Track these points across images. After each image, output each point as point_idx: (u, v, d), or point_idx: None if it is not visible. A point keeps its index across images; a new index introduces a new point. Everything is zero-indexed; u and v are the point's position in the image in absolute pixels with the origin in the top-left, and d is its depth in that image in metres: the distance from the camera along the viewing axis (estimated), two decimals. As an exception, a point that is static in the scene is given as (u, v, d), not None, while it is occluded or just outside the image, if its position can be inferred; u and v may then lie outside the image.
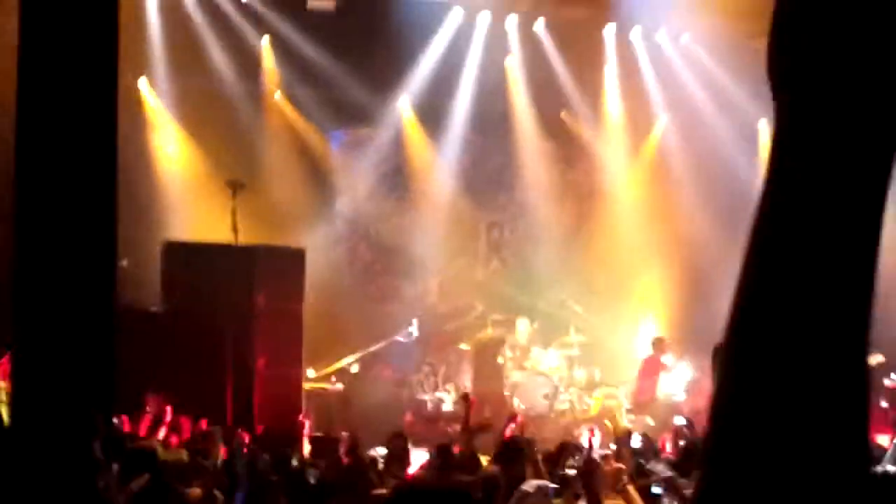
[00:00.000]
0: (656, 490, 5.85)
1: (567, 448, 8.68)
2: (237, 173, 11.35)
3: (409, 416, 13.22)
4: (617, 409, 13.15)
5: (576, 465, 6.53)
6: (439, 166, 14.82)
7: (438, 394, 13.60)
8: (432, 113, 14.43)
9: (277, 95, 13.93)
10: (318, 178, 14.07)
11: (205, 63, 13.24)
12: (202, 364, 9.87)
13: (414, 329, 12.89)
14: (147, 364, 9.54)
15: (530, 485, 4.72)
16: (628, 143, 15.46)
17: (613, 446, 9.07)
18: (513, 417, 10.95)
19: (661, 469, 6.19)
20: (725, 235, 14.23)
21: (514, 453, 8.47)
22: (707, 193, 14.65)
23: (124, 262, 9.99)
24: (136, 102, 13.12)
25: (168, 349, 10.03)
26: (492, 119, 14.79)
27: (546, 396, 12.94)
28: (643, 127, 15.38)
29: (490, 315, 14.09)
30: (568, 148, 15.43)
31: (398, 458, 8.97)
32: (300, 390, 10.96)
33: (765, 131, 15.28)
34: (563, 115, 15.10)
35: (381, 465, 8.85)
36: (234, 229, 10.52)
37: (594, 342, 14.18)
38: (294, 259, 11.17)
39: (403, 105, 14.41)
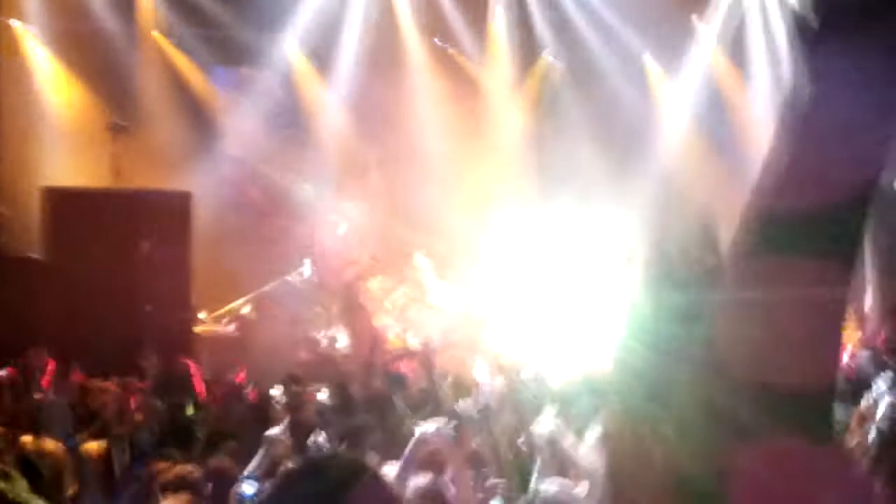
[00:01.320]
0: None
1: (461, 383, 8.82)
2: (118, 116, 10.97)
3: (303, 354, 13.19)
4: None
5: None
6: (327, 104, 14.62)
7: (332, 331, 13.58)
8: (319, 50, 14.20)
9: (155, 34, 13.47)
10: (202, 118, 13.71)
11: (81, 2, 12.71)
12: (86, 313, 9.60)
13: (306, 269, 12.78)
14: (27, 314, 9.24)
15: (428, 427, 4.69)
16: (514, 79, 15.52)
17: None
18: (407, 353, 11.06)
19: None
20: (613, 164, 14.52)
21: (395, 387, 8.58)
22: (594, 126, 14.83)
23: (1, 210, 9.66)
24: (10, 45, 12.55)
25: (50, 298, 9.71)
26: (380, 56, 14.62)
27: (441, 331, 13.03)
28: (529, 62, 15.45)
29: (384, 252, 14.09)
30: (455, 84, 15.38)
31: (295, 398, 8.98)
32: (190, 335, 10.78)
33: (650, 64, 15.55)
34: (445, 48, 15.02)
35: (278, 405, 8.85)
36: (116, 174, 10.24)
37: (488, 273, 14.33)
38: (180, 202, 10.89)
39: (290, 43, 14.12)
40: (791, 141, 0.96)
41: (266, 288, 12.43)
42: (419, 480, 4.44)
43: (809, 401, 0.96)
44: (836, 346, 1.02)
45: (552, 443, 4.79)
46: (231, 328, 11.93)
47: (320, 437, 6.22)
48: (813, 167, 0.93)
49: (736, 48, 15.26)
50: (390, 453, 5.13)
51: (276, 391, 9.20)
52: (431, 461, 4.63)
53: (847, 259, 0.97)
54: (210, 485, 4.90)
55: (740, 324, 0.98)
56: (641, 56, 15.40)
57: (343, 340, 13.08)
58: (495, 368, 9.50)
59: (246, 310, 11.89)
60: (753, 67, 15.17)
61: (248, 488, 4.31)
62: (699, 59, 15.33)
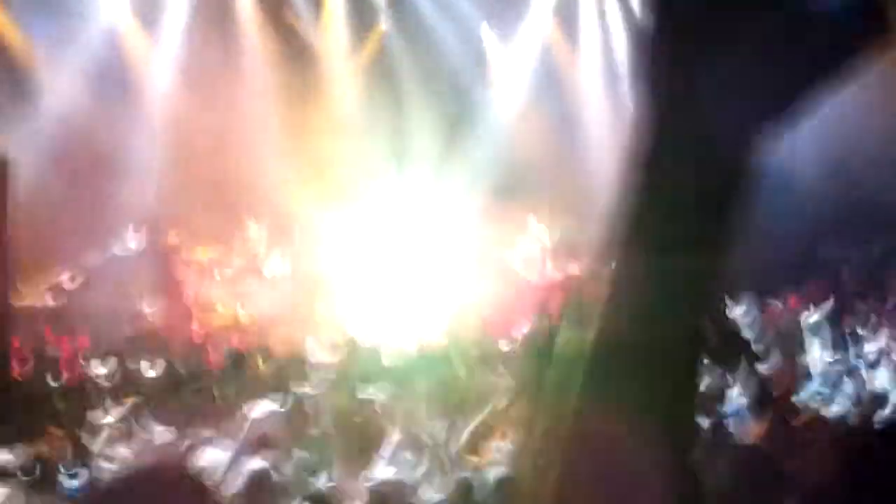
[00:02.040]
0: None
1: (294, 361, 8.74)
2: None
3: (128, 328, 12.77)
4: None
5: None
6: (156, 63, 14.07)
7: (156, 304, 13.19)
8: (148, 7, 13.63)
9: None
10: (18, 74, 12.93)
11: None
12: None
13: (132, 242, 12.32)
14: None
15: (260, 410, 4.61)
16: (350, 46, 15.37)
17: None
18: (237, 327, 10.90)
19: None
20: (449, 135, 14.64)
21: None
22: (430, 94, 14.88)
23: None
24: None
25: None
26: (212, 14, 14.19)
27: (273, 304, 12.86)
28: (365, 30, 15.33)
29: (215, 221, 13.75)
30: (289, 49, 15.11)
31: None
32: (7, 309, 10.23)
33: (487, 35, 15.69)
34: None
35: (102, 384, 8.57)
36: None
37: (321, 244, 14.23)
38: (-3, 171, 10.27)
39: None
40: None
41: (91, 262, 11.91)
42: (251, 464, 4.37)
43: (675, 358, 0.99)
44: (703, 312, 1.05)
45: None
46: (52, 301, 11.40)
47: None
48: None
49: (570, 20, 15.57)
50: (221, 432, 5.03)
51: (103, 369, 8.90)
52: (263, 443, 4.56)
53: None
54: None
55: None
56: (479, 25, 15.52)
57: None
58: (330, 345, 9.48)
59: (68, 282, 11.38)
60: (585, 40, 15.52)
61: (72, 482, 4.12)
62: (534, 30, 15.55)
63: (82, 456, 4.93)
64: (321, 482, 4.52)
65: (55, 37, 13.43)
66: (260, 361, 8.74)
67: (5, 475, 4.43)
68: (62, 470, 4.45)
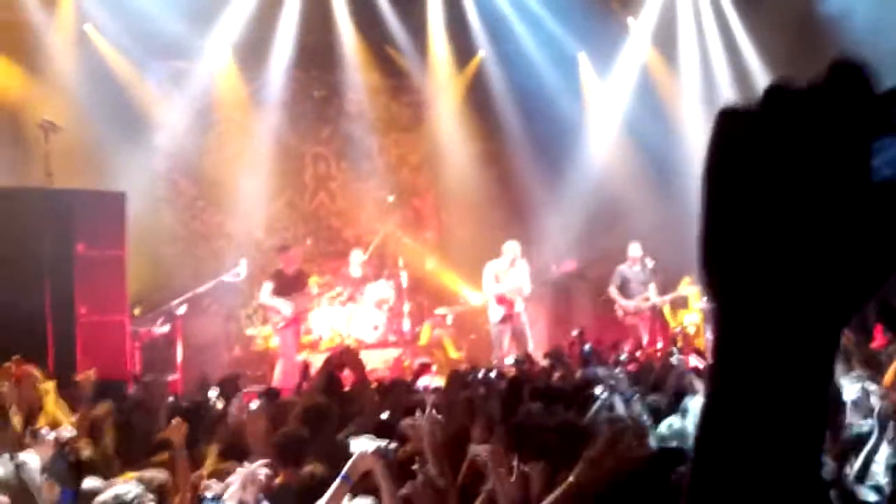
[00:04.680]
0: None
1: (396, 384, 8.89)
2: (49, 114, 10.82)
3: (237, 351, 13.24)
4: (445, 337, 13.56)
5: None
6: (260, 100, 14.58)
7: (268, 328, 13.61)
8: (253, 46, 14.13)
9: (88, 27, 13.29)
10: (135, 114, 13.55)
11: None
12: (19, 315, 9.48)
13: (242, 269, 12.76)
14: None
15: (367, 445, 4.62)
16: (450, 75, 15.64)
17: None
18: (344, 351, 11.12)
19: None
20: (546, 162, 14.75)
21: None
22: (527, 123, 15.02)
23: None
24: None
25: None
26: (314, 52, 14.64)
27: (376, 328, 13.14)
28: (464, 59, 15.58)
29: (320, 249, 14.17)
30: (391, 80, 15.47)
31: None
32: (125, 337, 10.73)
33: (584, 63, 15.77)
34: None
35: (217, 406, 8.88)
36: (49, 174, 10.14)
37: (423, 273, 14.50)
38: (114, 203, 10.78)
39: (222, 38, 14.04)
40: None
41: (201, 289, 12.39)
42: (358, 502, 4.44)
43: None
44: None
45: None
46: (164, 329, 11.89)
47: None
48: None
49: (668, 47, 15.53)
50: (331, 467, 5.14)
51: (213, 392, 9.23)
52: (365, 483, 4.60)
53: None
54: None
55: None
56: (576, 55, 15.63)
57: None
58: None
59: (181, 310, 11.86)
60: (685, 67, 15.45)
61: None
62: (632, 59, 15.58)
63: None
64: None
65: (167, 76, 14.06)
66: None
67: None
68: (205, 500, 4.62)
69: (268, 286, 12.23)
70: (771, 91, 0.71)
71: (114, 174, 12.30)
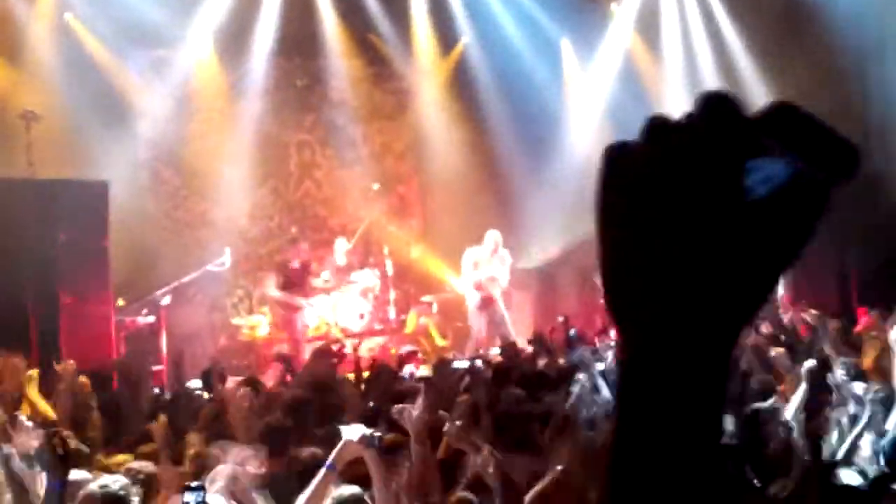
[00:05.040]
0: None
1: (383, 372, 8.90)
2: (31, 104, 10.75)
3: (223, 341, 13.20)
4: (431, 325, 13.57)
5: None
6: (243, 88, 14.51)
7: (254, 317, 13.60)
8: (235, 34, 14.06)
9: (68, 17, 13.20)
10: (117, 102, 13.47)
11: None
12: (2, 304, 9.43)
13: (226, 259, 12.74)
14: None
15: (353, 432, 4.62)
16: (434, 63, 15.61)
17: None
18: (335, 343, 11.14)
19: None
20: (530, 148, 14.76)
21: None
22: (510, 110, 15.01)
23: None
24: None
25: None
26: (296, 40, 14.58)
27: (362, 316, 13.14)
28: (447, 46, 15.55)
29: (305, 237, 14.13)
30: (374, 67, 15.43)
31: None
32: (110, 327, 10.71)
33: (567, 49, 15.78)
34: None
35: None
36: (31, 163, 10.10)
37: (408, 261, 14.49)
38: (97, 193, 10.74)
39: (204, 26, 13.96)
40: None
41: (185, 279, 12.35)
42: (342, 490, 4.44)
43: None
44: None
45: None
46: (150, 319, 11.85)
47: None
48: None
49: (651, 34, 15.54)
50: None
51: (195, 383, 9.22)
52: (352, 471, 4.61)
53: None
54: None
55: None
56: (559, 42, 15.63)
57: (264, 326, 13.11)
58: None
59: (165, 300, 11.81)
60: (668, 53, 15.47)
61: (191, 498, 4.27)
62: (615, 45, 15.59)
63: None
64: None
65: (148, 65, 13.98)
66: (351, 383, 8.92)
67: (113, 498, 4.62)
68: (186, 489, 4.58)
69: (272, 279, 12.25)
70: (651, 125, 0.75)
71: (96, 163, 12.25)
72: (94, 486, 4.50)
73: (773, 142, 0.72)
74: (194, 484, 4.32)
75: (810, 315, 9.41)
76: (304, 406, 6.57)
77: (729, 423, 5.87)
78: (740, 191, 0.72)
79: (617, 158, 0.77)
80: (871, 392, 5.55)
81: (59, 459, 4.69)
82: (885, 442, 4.91)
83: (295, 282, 12.22)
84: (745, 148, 0.72)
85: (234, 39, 14.12)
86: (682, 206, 0.73)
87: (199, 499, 4.19)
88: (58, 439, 4.70)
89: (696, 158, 0.73)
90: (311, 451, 5.28)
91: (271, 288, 12.28)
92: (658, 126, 0.76)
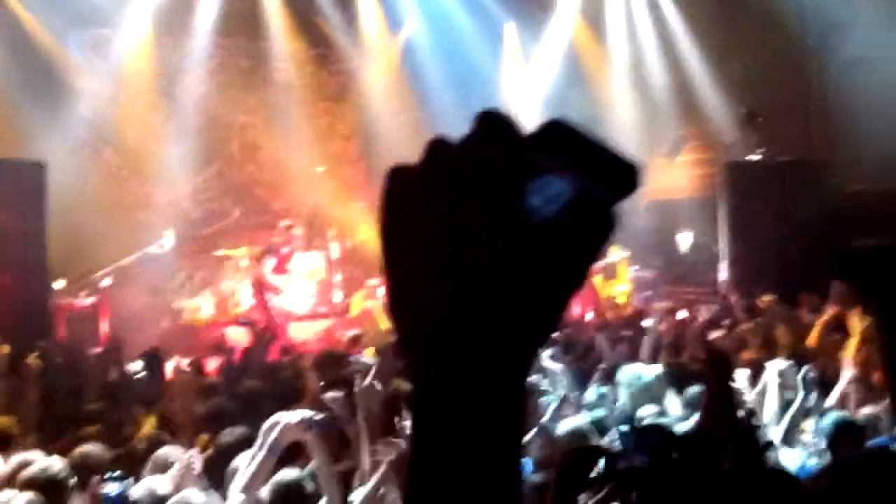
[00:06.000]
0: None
1: (330, 359, 8.85)
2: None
3: (165, 324, 13.03)
4: (376, 309, 13.49)
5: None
6: (184, 68, 14.29)
7: (196, 300, 13.45)
8: (175, 13, 13.83)
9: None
10: (55, 83, 13.19)
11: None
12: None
13: (167, 240, 12.57)
14: None
15: (293, 415, 4.56)
16: (380, 45, 15.52)
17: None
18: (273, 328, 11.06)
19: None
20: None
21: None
22: (456, 92, 14.98)
23: None
24: None
25: None
26: (238, 20, 14.38)
27: (306, 299, 13.06)
28: (394, 28, 15.46)
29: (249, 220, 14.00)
30: (318, 49, 15.28)
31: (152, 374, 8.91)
32: (47, 309, 10.51)
33: (511, 34, 15.78)
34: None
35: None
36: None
37: (354, 244, 14.40)
38: (32, 173, 10.50)
39: (143, 5, 13.72)
40: None
41: (126, 261, 12.16)
42: (283, 474, 4.40)
43: None
44: None
45: None
46: (89, 301, 11.66)
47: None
48: None
49: (596, 19, 15.59)
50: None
51: (137, 365, 9.10)
52: (292, 454, 4.56)
53: None
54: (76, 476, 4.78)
55: None
56: (503, 25, 15.63)
57: (209, 308, 12.97)
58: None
59: (106, 282, 11.62)
60: (612, 38, 15.53)
61: (114, 487, 4.21)
62: (560, 30, 15.62)
63: (121, 460, 5.08)
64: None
65: (87, 44, 13.70)
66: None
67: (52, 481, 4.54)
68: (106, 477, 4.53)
69: (271, 262, 12.13)
70: (430, 147, 0.74)
71: (34, 144, 11.98)
72: (35, 469, 4.42)
73: (553, 160, 0.70)
74: (117, 473, 4.29)
75: (762, 301, 9.50)
76: (258, 395, 6.53)
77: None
78: (521, 211, 0.70)
79: (397, 180, 0.75)
80: (804, 373, 5.61)
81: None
82: (824, 423, 4.96)
83: (281, 266, 12.19)
84: (523, 167, 0.70)
85: (176, 18, 13.89)
86: (462, 228, 0.71)
87: (123, 489, 4.14)
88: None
89: (473, 179, 0.71)
90: (241, 433, 5.22)
91: (268, 269, 12.18)
92: (436, 147, 0.74)
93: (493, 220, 0.70)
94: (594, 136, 0.71)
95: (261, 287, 12.26)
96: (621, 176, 0.71)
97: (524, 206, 0.70)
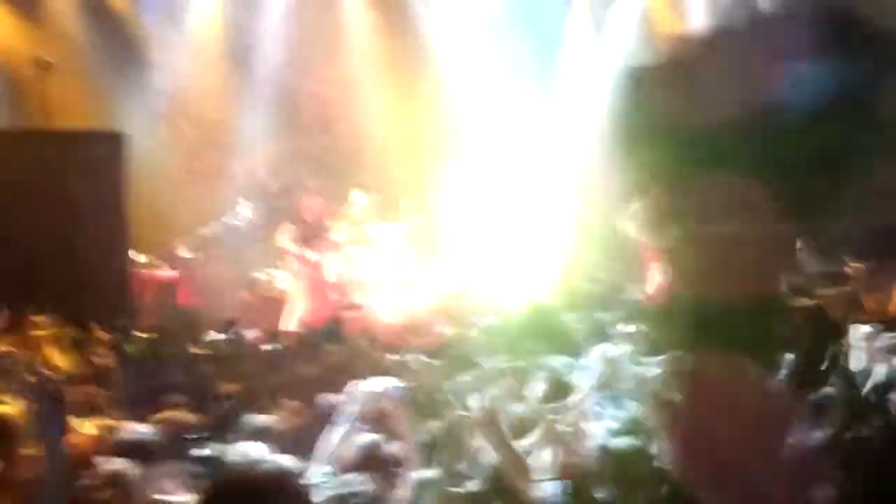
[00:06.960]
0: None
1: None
2: (44, 52, 10.57)
3: (245, 294, 13.07)
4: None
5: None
6: (261, 39, 14.27)
7: (272, 270, 13.46)
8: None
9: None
10: (132, 52, 13.27)
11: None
12: (16, 261, 9.30)
13: (245, 211, 12.59)
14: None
15: (376, 385, 4.52)
16: (454, 15, 15.28)
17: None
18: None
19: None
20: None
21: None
22: (530, 60, 14.72)
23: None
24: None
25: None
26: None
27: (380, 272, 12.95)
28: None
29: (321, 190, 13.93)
30: (392, 17, 15.10)
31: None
32: (129, 281, 10.57)
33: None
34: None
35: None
36: (46, 114, 9.93)
37: (428, 218, 14.22)
38: (112, 144, 10.53)
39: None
40: None
41: (204, 229, 12.21)
42: (364, 438, 4.36)
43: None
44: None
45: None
46: (170, 273, 11.74)
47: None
48: None
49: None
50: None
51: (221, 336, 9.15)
52: (376, 422, 4.52)
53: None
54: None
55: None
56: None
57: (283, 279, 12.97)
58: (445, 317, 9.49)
59: (184, 252, 11.68)
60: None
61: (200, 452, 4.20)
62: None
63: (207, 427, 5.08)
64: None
65: (165, 14, 13.75)
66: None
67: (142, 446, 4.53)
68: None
69: (288, 230, 12.12)
70: None
71: (113, 114, 12.07)
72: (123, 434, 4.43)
73: None
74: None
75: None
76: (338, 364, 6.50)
77: None
78: None
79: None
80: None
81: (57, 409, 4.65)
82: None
83: (310, 235, 12.09)
84: None
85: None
86: None
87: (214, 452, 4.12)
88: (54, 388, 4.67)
89: None
90: (328, 401, 5.19)
91: (286, 240, 12.14)
92: None
93: None
94: None
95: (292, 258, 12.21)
96: None
97: None
